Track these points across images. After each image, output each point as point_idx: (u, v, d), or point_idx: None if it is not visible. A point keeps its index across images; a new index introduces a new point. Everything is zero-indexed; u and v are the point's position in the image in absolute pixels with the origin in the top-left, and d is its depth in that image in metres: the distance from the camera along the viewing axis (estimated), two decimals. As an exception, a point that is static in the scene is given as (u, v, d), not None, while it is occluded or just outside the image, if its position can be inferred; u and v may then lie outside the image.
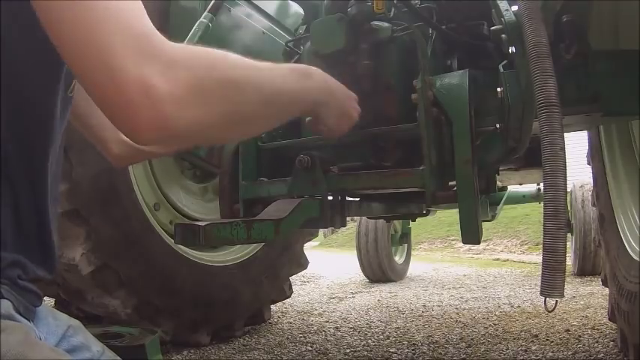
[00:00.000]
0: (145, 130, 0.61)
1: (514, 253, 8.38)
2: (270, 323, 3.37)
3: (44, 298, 0.85)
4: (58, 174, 0.85)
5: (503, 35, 1.34)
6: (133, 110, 0.59)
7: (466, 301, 4.10)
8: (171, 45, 0.64)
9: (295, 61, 1.67)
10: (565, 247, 1.00)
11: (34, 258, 0.77)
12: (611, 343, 2.50)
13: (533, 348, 2.55)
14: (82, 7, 0.59)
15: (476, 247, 8.70)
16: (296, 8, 2.81)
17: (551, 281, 0.98)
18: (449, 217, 9.54)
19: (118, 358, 0.89)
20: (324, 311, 3.88)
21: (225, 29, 2.35)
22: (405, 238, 5.82)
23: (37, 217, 0.78)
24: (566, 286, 1.42)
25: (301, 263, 3.50)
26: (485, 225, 1.85)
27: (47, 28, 0.61)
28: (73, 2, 0.59)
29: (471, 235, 1.29)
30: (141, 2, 0.64)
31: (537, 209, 6.59)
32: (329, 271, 6.76)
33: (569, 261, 5.21)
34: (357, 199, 1.73)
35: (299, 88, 0.92)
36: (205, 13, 1.80)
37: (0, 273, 0.69)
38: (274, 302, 3.45)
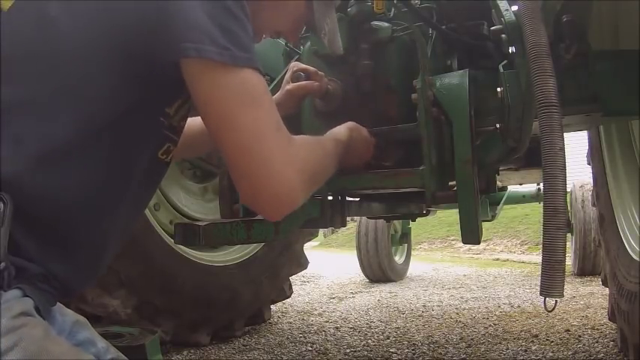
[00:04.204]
0: (268, 206, 0.87)
1: (514, 253, 8.37)
2: (270, 323, 3.37)
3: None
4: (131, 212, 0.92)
5: (503, 35, 1.34)
6: (272, 186, 0.82)
7: (466, 301, 4.10)
8: (294, 143, 0.88)
9: (295, 61, 1.67)
10: (565, 247, 1.00)
11: (61, 275, 0.81)
12: (611, 343, 2.50)
13: (533, 348, 2.55)
14: (253, 119, 0.80)
15: (476, 247, 8.70)
16: (296, 8, 2.80)
17: (551, 281, 0.98)
18: (449, 217, 9.53)
19: (122, 355, 0.90)
20: (324, 311, 3.87)
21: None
22: (405, 238, 5.82)
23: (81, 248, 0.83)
24: (566, 286, 1.43)
25: (301, 263, 3.50)
26: (485, 225, 1.85)
27: (210, 126, 0.82)
28: (245, 120, 0.79)
29: (471, 235, 1.29)
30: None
31: (537, 209, 6.59)
32: (329, 271, 6.75)
33: (569, 261, 5.20)
34: (357, 199, 1.73)
35: (346, 154, 1.22)
36: None
37: (26, 280, 0.75)
38: (274, 302, 3.45)
